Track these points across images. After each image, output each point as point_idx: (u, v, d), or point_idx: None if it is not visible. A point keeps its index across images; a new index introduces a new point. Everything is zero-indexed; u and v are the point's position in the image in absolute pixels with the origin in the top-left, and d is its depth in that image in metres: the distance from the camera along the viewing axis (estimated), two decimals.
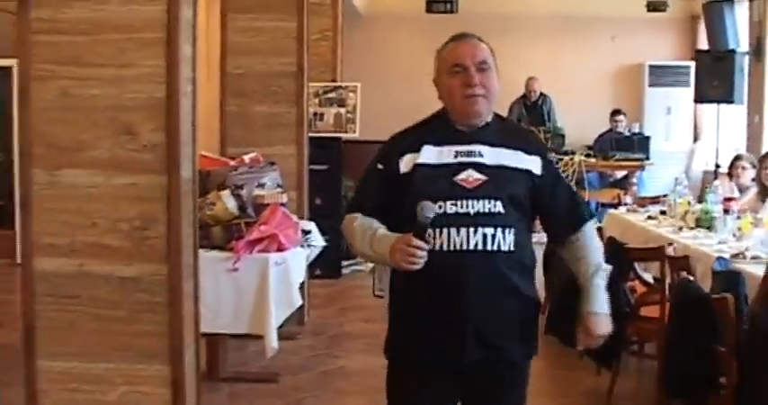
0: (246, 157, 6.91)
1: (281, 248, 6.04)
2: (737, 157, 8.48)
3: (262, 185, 6.72)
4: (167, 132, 3.98)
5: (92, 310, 4.05)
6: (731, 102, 11.22)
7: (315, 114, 10.63)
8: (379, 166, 3.53)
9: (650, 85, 14.33)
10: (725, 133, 12.59)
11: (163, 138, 3.98)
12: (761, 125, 11.74)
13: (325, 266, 9.51)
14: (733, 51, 11.50)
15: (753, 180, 7.85)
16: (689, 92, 12.74)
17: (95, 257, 4.03)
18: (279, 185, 6.94)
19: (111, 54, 3.98)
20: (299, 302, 6.29)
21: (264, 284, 5.86)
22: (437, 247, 3.35)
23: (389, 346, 3.57)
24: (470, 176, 3.43)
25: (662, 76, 14.23)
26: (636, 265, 6.04)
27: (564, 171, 10.82)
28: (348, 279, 10.24)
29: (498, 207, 3.40)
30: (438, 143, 3.49)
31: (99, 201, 4.02)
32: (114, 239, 4.02)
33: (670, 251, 5.69)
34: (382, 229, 3.43)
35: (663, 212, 7.96)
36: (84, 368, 4.09)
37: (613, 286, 5.91)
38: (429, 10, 12.62)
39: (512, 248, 3.39)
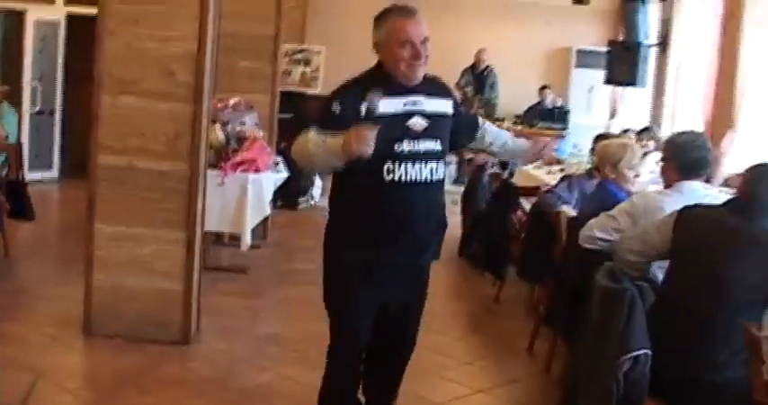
0: (231, 101, 8.62)
1: (257, 170, 7.88)
2: (643, 129, 10.52)
3: (243, 123, 8.56)
4: (196, 75, 5.88)
5: (135, 191, 5.95)
6: (635, 85, 13.04)
7: (284, 71, 12.32)
8: (335, 109, 3.96)
9: (576, 67, 15.71)
10: (635, 112, 14.41)
11: (192, 79, 5.88)
12: (662, 105, 13.74)
13: (284, 200, 11.39)
14: (640, 44, 13.22)
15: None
16: None
17: (140, 156, 5.93)
18: (256, 124, 8.82)
19: (162, 21, 5.86)
20: (269, 212, 8.19)
21: (244, 196, 7.67)
22: (396, 179, 3.96)
23: (337, 247, 4.17)
24: (418, 122, 4.04)
25: (586, 59, 15.50)
26: (521, 199, 7.91)
27: None
28: (303, 211, 12.06)
29: (438, 145, 4.09)
30: (389, 95, 3.97)
31: (146, 118, 5.90)
32: (155, 145, 5.91)
33: (543, 189, 7.59)
34: (329, 137, 3.80)
35: (562, 169, 9.88)
36: (127, 231, 5.99)
37: (503, 215, 7.91)
38: None
39: (442, 177, 4.14)
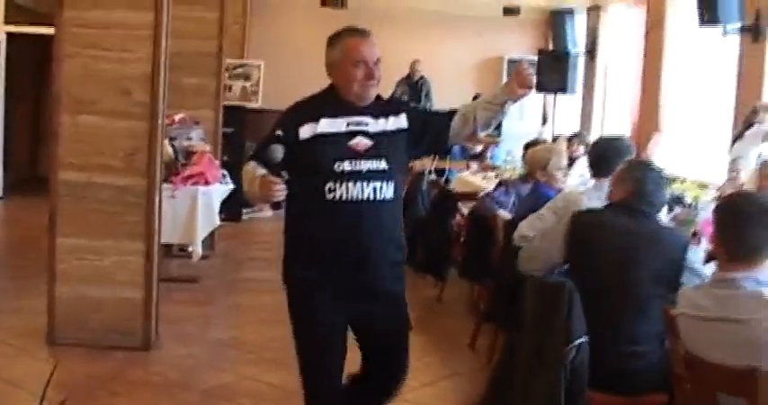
0: (177, 117, 8.90)
1: (207, 183, 8.22)
2: (573, 135, 10.96)
3: (190, 138, 8.88)
4: (151, 95, 6.20)
5: (96, 206, 6.25)
6: (565, 92, 13.52)
7: (225, 86, 12.57)
8: (278, 133, 4.02)
9: (508, 75, 15.68)
10: (565, 117, 14.91)
11: (148, 98, 6.20)
12: (591, 111, 14.25)
13: (228, 212, 11.65)
14: (568, 52, 13.78)
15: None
16: None
17: (100, 172, 6.23)
18: (202, 139, 9.15)
19: (118, 43, 6.18)
20: (218, 223, 8.50)
21: (194, 208, 8.00)
22: (337, 198, 3.95)
23: (288, 264, 4.16)
24: (360, 141, 4.03)
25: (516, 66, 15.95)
26: (459, 204, 8.32)
27: None
28: (247, 223, 12.40)
29: (383, 164, 4.03)
30: (332, 115, 4.05)
31: (104, 136, 6.21)
32: (113, 161, 6.22)
33: (481, 194, 8.00)
34: (260, 170, 3.89)
35: (497, 176, 10.33)
36: (88, 244, 6.29)
37: (443, 220, 8.30)
38: (323, 4, 14.30)
39: (392, 197, 4.06)
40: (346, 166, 3.98)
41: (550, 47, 15.48)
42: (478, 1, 14.73)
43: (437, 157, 11.64)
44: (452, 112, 4.22)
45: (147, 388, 5.63)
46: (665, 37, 11.41)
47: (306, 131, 4.01)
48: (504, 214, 6.52)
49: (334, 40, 4.08)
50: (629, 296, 4.25)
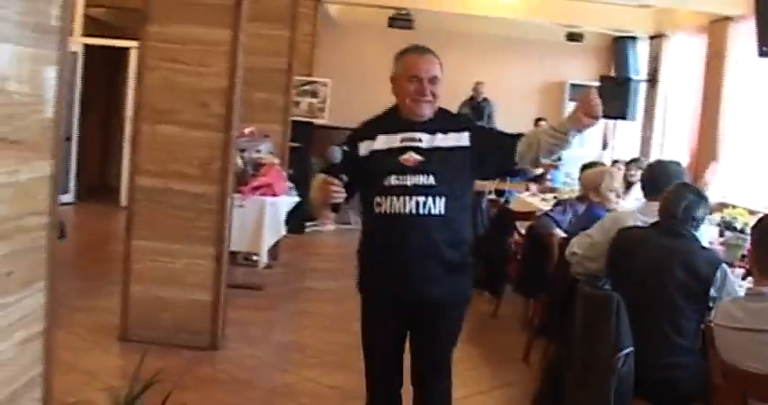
0: (247, 130, 9.26)
1: (274, 194, 8.54)
2: (632, 160, 11.13)
3: (258, 151, 9.23)
4: (227, 107, 6.53)
5: (170, 211, 6.57)
6: (625, 118, 13.71)
7: (293, 102, 12.92)
8: (344, 149, 4.14)
9: (570, 100, 16.07)
10: (625, 143, 15.07)
11: (224, 110, 6.53)
12: (651, 137, 14.39)
13: (292, 224, 11.97)
14: (630, 79, 13.93)
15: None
16: None
17: (176, 179, 6.57)
18: (270, 152, 9.48)
19: (196, 58, 6.52)
20: (284, 233, 8.81)
21: (261, 217, 8.29)
22: (383, 211, 4.08)
23: (359, 281, 4.36)
24: (411, 156, 4.11)
25: (579, 92, 15.39)
26: (516, 223, 8.57)
27: None
28: (309, 236, 12.73)
29: (431, 180, 4.07)
30: (388, 132, 4.19)
31: (181, 145, 6.55)
32: (189, 169, 6.54)
33: (538, 213, 8.24)
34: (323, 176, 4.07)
35: (555, 197, 10.55)
36: (162, 247, 6.62)
37: (502, 238, 8.55)
38: (391, 25, 14.68)
39: (442, 212, 4.07)
40: (393, 180, 4.09)
41: (612, 73, 15.56)
42: (542, 26, 14.91)
43: (500, 178, 11.59)
44: (520, 135, 4.21)
45: (215, 384, 5.93)
46: (726, 66, 11.51)
47: (364, 148, 4.19)
48: (560, 232, 6.76)
49: (397, 56, 4.25)
50: (664, 309, 4.49)
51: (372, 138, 4.20)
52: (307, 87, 13.71)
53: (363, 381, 4.43)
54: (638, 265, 4.64)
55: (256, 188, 8.44)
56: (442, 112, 4.29)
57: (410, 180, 4.08)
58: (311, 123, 13.27)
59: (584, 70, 16.32)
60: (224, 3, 6.43)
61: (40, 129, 2.86)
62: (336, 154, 4.01)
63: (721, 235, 6.86)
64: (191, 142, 6.53)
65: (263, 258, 8.40)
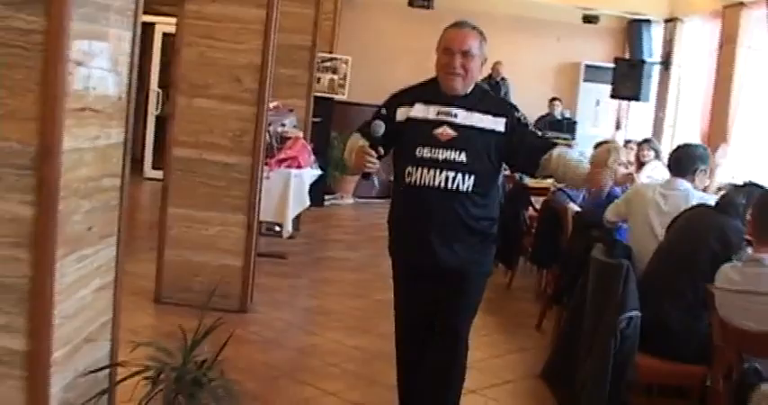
0: (272, 104, 9.54)
1: (299, 166, 8.85)
2: (644, 141, 11.41)
3: (283, 125, 9.55)
4: (259, 82, 6.87)
5: (205, 180, 6.92)
6: (638, 100, 13.99)
7: (315, 78, 13.22)
8: (383, 112, 4.32)
9: (584, 81, 16.38)
10: (638, 124, 15.34)
11: (256, 85, 6.87)
12: (664, 119, 14.68)
13: (312, 197, 12.33)
14: (643, 61, 14.17)
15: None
16: None
17: (210, 150, 6.91)
18: (295, 126, 9.81)
19: (231, 35, 6.85)
20: (308, 203, 9.13)
21: (287, 189, 8.60)
22: (413, 182, 4.18)
23: (389, 246, 4.56)
24: (445, 131, 4.17)
25: (594, 74, 16.17)
26: (531, 197, 8.91)
27: None
28: (329, 208, 13.13)
29: (462, 157, 4.15)
30: (427, 102, 4.25)
31: (216, 118, 6.89)
32: (222, 140, 6.89)
33: (553, 188, 8.56)
34: (362, 141, 4.25)
35: None
36: (196, 214, 6.96)
37: (516, 213, 8.89)
38: (410, 4, 14.90)
39: (469, 190, 4.17)
40: (426, 152, 4.18)
41: (627, 55, 15.73)
42: (559, 7, 15.16)
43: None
44: (552, 144, 4.42)
45: (248, 344, 6.28)
46: (738, 51, 11.80)
47: (401, 114, 4.28)
48: (573, 206, 7.11)
49: (443, 31, 4.33)
50: (690, 267, 4.85)
51: (411, 104, 4.27)
52: (328, 64, 14.03)
53: (384, 343, 4.78)
54: (683, 225, 5.11)
55: (282, 160, 8.76)
56: (481, 92, 4.38)
57: (442, 154, 4.16)
58: (332, 99, 13.58)
59: (599, 52, 16.52)
60: None
61: (116, 100, 3.22)
62: (380, 129, 4.15)
63: None
64: (224, 115, 6.86)
65: (288, 228, 8.74)
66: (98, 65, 3.00)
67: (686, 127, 13.74)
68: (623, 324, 4.71)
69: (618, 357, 4.67)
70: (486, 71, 15.05)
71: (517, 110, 4.37)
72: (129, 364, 3.51)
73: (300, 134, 9.44)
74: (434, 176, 4.15)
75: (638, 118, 15.50)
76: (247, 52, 6.84)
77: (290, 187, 8.66)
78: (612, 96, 14.73)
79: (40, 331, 2.81)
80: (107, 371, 3.51)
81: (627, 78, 13.97)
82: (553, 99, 15.78)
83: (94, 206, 3.14)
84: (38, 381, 2.83)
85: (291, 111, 9.94)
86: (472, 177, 4.16)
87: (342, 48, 15.05)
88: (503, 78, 15.57)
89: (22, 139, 2.75)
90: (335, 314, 7.27)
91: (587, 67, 16.51)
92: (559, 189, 7.85)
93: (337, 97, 13.96)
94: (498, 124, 4.23)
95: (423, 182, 4.17)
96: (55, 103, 2.72)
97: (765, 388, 3.59)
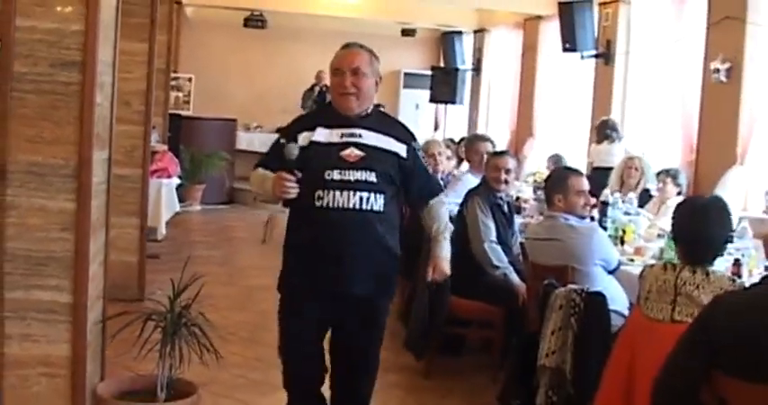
0: None
1: (169, 176, 10.16)
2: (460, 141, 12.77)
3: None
4: (145, 105, 8.13)
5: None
6: (454, 103, 15.37)
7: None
8: (281, 141, 4.19)
9: (404, 87, 17.88)
10: (454, 125, 16.78)
11: (143, 107, 8.11)
12: (477, 119, 16.26)
13: None
14: (456, 69, 15.68)
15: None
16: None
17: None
18: (157, 141, 11.06)
19: (122, 65, 8.10)
20: (178, 208, 10.40)
21: (159, 196, 9.92)
22: (325, 205, 4.07)
23: (282, 277, 4.35)
24: (352, 152, 4.09)
25: (413, 80, 17.62)
26: None
27: None
28: (182, 215, 13.86)
29: (372, 177, 4.09)
30: (329, 126, 4.15)
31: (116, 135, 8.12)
32: (117, 156, 8.07)
33: None
34: (269, 173, 4.17)
35: None
36: None
37: None
38: (246, 25, 16.29)
39: (381, 209, 4.12)
40: (336, 175, 4.08)
41: (442, 63, 17.35)
42: (380, 22, 16.58)
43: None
44: (431, 196, 4.43)
45: None
46: (538, 58, 13.52)
47: (303, 139, 4.16)
48: None
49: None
50: None
51: (312, 129, 4.20)
52: (173, 83, 15.19)
53: (257, 317, 5.83)
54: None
55: (154, 171, 10.02)
56: (380, 113, 4.42)
57: (353, 175, 4.10)
58: (179, 115, 14.72)
59: (416, 60, 18.12)
60: (142, 22, 8.03)
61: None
62: (294, 150, 4.10)
63: (535, 192, 8.87)
64: (118, 134, 8.05)
65: (162, 230, 10.00)
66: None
67: (497, 125, 15.24)
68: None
69: (434, 297, 5.96)
70: (311, 80, 16.26)
71: (415, 139, 4.41)
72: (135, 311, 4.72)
73: (165, 148, 10.70)
74: (348, 198, 4.10)
75: (454, 119, 16.95)
76: (136, 80, 8.08)
77: (161, 195, 9.91)
78: (431, 101, 15.94)
79: (79, 289, 4.15)
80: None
81: (443, 84, 15.19)
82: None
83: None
84: (79, 322, 4.17)
85: (154, 127, 11.14)
86: (382, 197, 4.15)
87: (183, 66, 16.24)
88: (326, 85, 16.60)
89: (66, 156, 4.10)
90: (211, 298, 8.50)
91: (406, 74, 17.95)
92: None
93: (183, 112, 15.16)
94: (401, 150, 4.25)
95: (336, 204, 4.10)
96: (86, 132, 4.08)
97: (558, 291, 4.95)
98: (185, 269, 4.92)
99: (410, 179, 4.29)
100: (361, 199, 4.07)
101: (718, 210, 4.18)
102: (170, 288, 4.79)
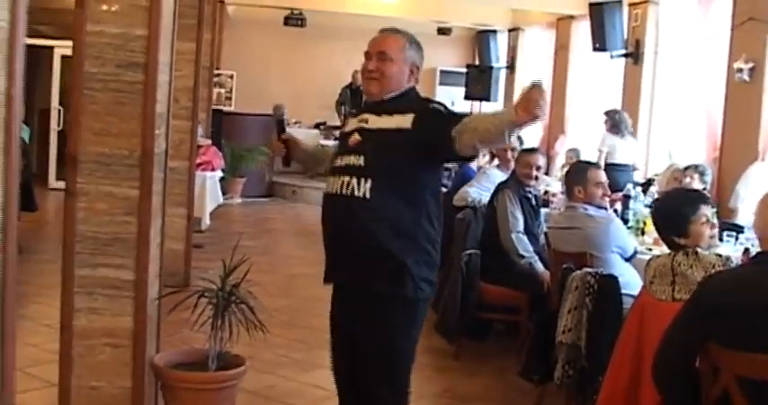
0: None
1: (213, 169, 10.63)
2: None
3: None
4: (192, 101, 8.59)
5: None
6: (489, 100, 15.52)
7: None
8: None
9: (440, 84, 18.23)
10: None
11: (191, 104, 8.58)
12: None
13: None
14: (491, 67, 16.05)
15: None
16: None
17: None
18: (202, 135, 11.53)
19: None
20: (222, 200, 10.87)
21: (203, 189, 10.36)
22: (325, 192, 4.01)
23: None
24: (354, 138, 3.92)
25: (448, 78, 18.02)
26: None
27: None
28: (222, 207, 14.34)
29: (360, 161, 3.82)
30: (355, 115, 4.11)
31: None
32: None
33: None
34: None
35: None
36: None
37: None
38: (286, 23, 16.83)
39: (366, 196, 3.76)
40: (338, 161, 3.97)
41: (477, 61, 17.74)
42: (416, 22, 16.69)
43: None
44: (462, 116, 3.83)
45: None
46: (570, 57, 13.90)
47: (340, 132, 4.34)
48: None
49: None
50: None
51: (346, 124, 4.23)
52: (216, 79, 15.68)
53: (301, 302, 6.27)
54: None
55: (199, 164, 10.47)
56: (401, 94, 4.00)
57: (345, 160, 3.93)
58: (221, 111, 15.25)
59: (452, 59, 18.51)
60: (190, 22, 8.49)
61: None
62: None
63: (563, 186, 9.20)
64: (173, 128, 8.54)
65: (207, 221, 10.46)
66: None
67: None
68: (465, 258, 6.58)
69: (465, 283, 6.52)
70: (347, 78, 16.73)
71: (432, 102, 4.00)
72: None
73: (210, 142, 11.16)
74: (334, 183, 3.94)
75: None
76: (184, 78, 8.53)
77: (206, 187, 10.38)
78: (466, 98, 16.15)
79: (141, 268, 4.61)
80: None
81: (477, 82, 15.52)
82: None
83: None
84: (140, 297, 4.62)
85: (200, 123, 11.63)
86: (369, 182, 3.82)
87: (225, 64, 16.75)
88: (360, 86, 17.09)
89: (130, 148, 4.55)
90: (260, 285, 8.98)
91: (442, 72, 18.34)
92: None
93: (225, 108, 15.69)
94: (405, 122, 3.83)
95: (328, 190, 3.99)
96: (148, 127, 4.55)
97: (574, 273, 5.30)
98: (227, 258, 5.32)
99: (429, 137, 3.79)
100: (342, 183, 3.87)
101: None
102: (218, 270, 5.17)
